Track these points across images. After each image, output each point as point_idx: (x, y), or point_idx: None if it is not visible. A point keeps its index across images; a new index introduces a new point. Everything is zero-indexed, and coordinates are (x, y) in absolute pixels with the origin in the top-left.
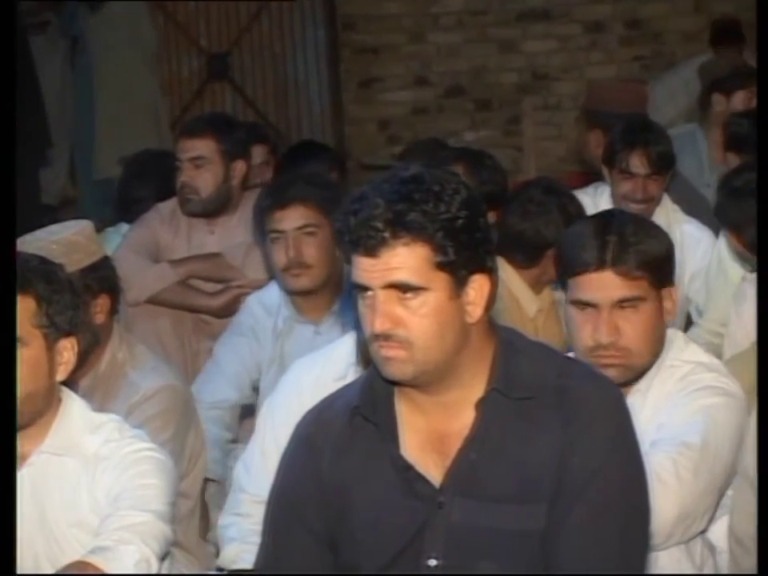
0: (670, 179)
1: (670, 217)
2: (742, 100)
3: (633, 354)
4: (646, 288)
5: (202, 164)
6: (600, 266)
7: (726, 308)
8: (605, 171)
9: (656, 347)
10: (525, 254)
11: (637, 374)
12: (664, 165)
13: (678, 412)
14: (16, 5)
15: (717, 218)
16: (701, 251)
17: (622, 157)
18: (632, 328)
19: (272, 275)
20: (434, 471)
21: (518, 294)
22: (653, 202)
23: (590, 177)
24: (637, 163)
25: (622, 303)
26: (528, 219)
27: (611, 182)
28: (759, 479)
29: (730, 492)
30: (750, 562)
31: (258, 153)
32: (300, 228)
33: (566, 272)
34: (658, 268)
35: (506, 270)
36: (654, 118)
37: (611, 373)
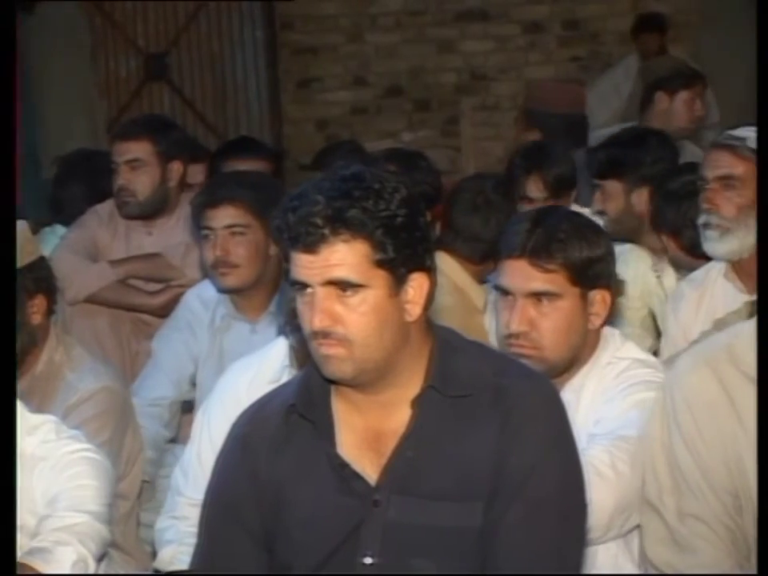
0: (574, 200)
1: None
2: (684, 100)
3: (545, 347)
4: (564, 285)
5: (138, 166)
6: (519, 253)
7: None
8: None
9: (573, 346)
10: (472, 248)
11: (551, 369)
12: (562, 187)
13: (614, 407)
14: (15, 5)
15: (653, 223)
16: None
17: (520, 182)
18: (546, 322)
19: (206, 273)
20: (370, 469)
21: (464, 287)
22: None
23: None
24: (533, 188)
25: (538, 296)
26: (477, 213)
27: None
28: (759, 478)
29: None
30: None
31: (198, 171)
32: (228, 227)
33: (496, 256)
34: (582, 268)
35: (450, 265)
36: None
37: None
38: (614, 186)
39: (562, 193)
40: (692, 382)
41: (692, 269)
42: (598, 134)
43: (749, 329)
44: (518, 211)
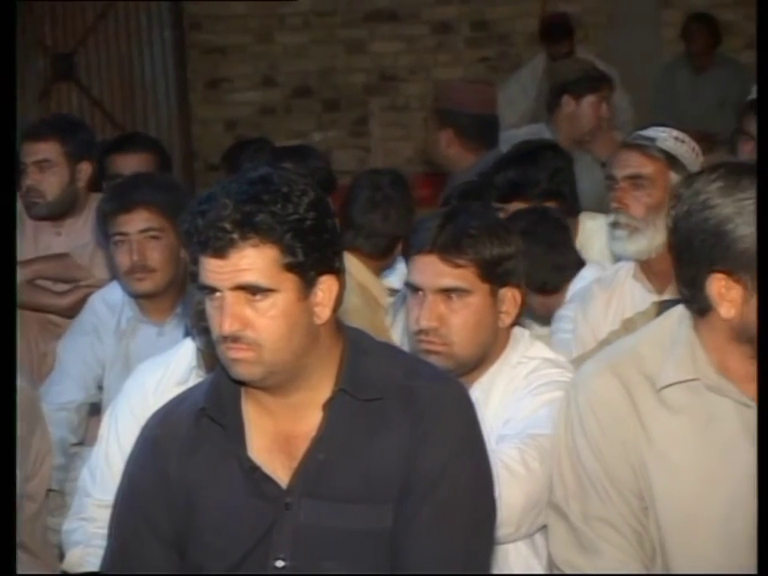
0: None
1: None
2: (591, 104)
3: (454, 343)
4: (474, 281)
5: (46, 167)
6: (430, 249)
7: None
8: None
9: (483, 343)
10: (374, 244)
11: (460, 366)
12: None
13: (523, 406)
14: (15, 6)
15: None
16: None
17: None
18: (456, 318)
19: (115, 276)
20: (281, 472)
21: (367, 284)
22: None
23: (438, 177)
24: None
25: (448, 292)
26: (377, 209)
27: None
28: (759, 477)
29: None
30: None
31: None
32: (144, 231)
33: (407, 253)
34: (492, 264)
35: (353, 264)
36: None
37: (432, 360)
38: (518, 208)
39: None
40: (596, 386)
41: (542, 308)
42: (506, 135)
43: (653, 331)
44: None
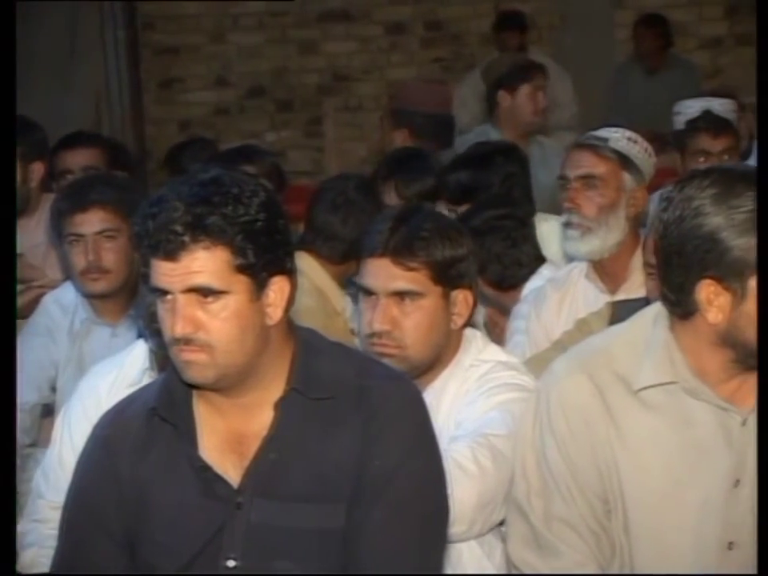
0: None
1: None
2: (526, 94)
3: (407, 346)
4: (426, 283)
5: None
6: (382, 252)
7: None
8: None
9: (436, 345)
10: (331, 248)
11: (414, 368)
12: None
13: (475, 408)
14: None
15: None
16: None
17: (381, 188)
18: (409, 321)
19: (68, 276)
20: (232, 472)
21: (324, 288)
22: None
23: None
24: (391, 196)
25: (401, 295)
26: (337, 212)
27: None
28: (759, 478)
29: None
30: None
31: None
32: (100, 232)
33: (358, 255)
34: (444, 267)
35: (311, 265)
36: None
37: (385, 362)
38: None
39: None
40: (567, 387)
41: (500, 303)
42: (458, 140)
43: (626, 331)
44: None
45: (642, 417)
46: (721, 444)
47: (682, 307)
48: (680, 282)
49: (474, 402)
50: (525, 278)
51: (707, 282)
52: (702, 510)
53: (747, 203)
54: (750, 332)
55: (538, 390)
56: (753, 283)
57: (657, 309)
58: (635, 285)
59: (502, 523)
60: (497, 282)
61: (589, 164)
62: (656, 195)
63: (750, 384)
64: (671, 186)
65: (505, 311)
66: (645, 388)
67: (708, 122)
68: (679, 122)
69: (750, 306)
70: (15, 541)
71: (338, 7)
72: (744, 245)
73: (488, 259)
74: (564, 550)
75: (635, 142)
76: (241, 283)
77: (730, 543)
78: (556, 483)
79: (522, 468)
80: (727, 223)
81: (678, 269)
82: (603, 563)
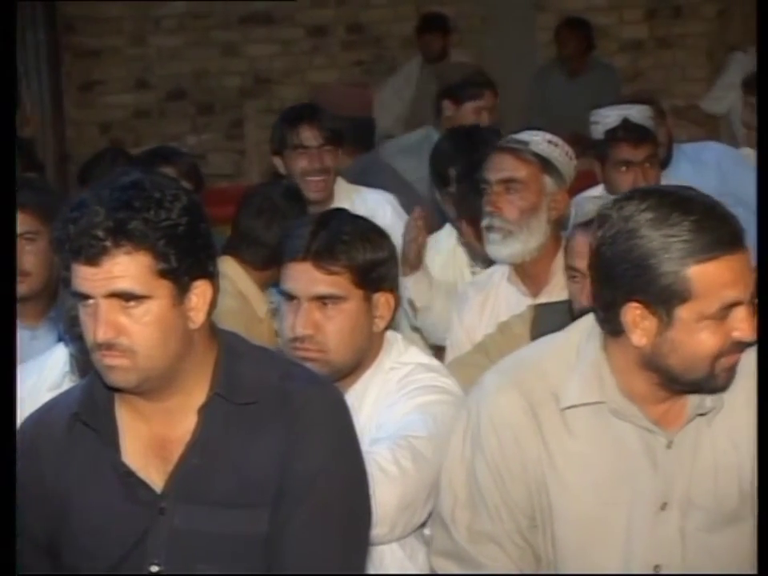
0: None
1: (351, 192)
2: (471, 110)
3: (330, 350)
4: (348, 287)
5: None
6: (303, 256)
7: None
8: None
9: (358, 348)
10: (254, 253)
11: (336, 372)
12: (335, 137)
13: (396, 410)
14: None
15: (457, 209)
16: (389, 213)
17: (293, 134)
18: (331, 325)
19: None
20: (156, 477)
21: (247, 293)
22: (329, 174)
23: None
24: (308, 135)
25: (323, 299)
26: (261, 218)
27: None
28: (759, 478)
29: None
30: None
31: None
32: (20, 235)
33: (279, 260)
34: (366, 270)
35: (235, 270)
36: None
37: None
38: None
39: (336, 142)
40: (499, 404)
41: (484, 257)
42: (393, 143)
43: (559, 346)
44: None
45: (570, 436)
46: (646, 466)
47: (610, 325)
48: (609, 301)
49: (394, 405)
50: None
51: (634, 304)
52: (627, 532)
53: (683, 233)
54: (672, 359)
55: (468, 403)
56: (680, 312)
57: (591, 323)
58: (557, 288)
59: (423, 525)
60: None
61: (510, 168)
62: (578, 198)
63: (679, 406)
64: (610, 203)
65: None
66: (572, 407)
67: (628, 132)
68: (597, 131)
69: (675, 333)
70: (15, 540)
71: (259, 10)
72: (674, 274)
73: (482, 211)
74: (486, 564)
75: (556, 145)
76: (163, 288)
77: (656, 566)
78: (483, 498)
79: (448, 481)
80: (659, 251)
81: (607, 288)
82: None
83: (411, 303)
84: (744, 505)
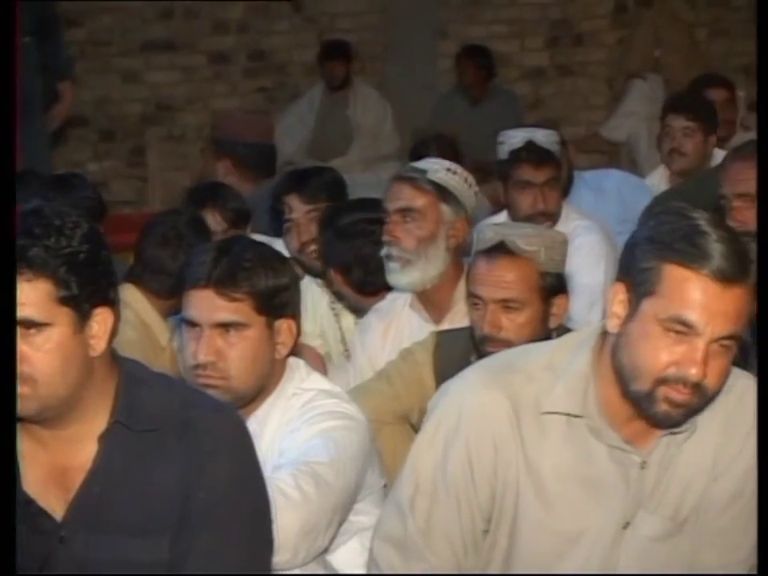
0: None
1: None
2: None
3: (232, 377)
4: (250, 314)
5: None
6: (205, 283)
7: None
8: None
9: (260, 375)
10: (160, 282)
11: (239, 399)
12: (240, 220)
13: (298, 436)
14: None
15: (324, 259)
16: None
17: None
18: (234, 352)
19: None
20: (56, 505)
21: (149, 321)
22: None
23: None
24: (211, 221)
25: (225, 326)
26: (167, 247)
27: None
28: (759, 479)
29: (353, 518)
30: None
31: None
32: None
33: (181, 288)
34: (268, 297)
35: (137, 298)
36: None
37: (210, 394)
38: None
39: (241, 225)
40: (483, 401)
41: (358, 306)
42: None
43: (547, 355)
44: None
45: (547, 442)
46: (619, 483)
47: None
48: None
49: (297, 430)
50: (387, 287)
51: (619, 285)
52: (591, 547)
53: (699, 240)
54: (624, 354)
55: (447, 393)
56: (645, 305)
57: (582, 336)
58: (459, 314)
59: (326, 551)
60: (358, 285)
61: (407, 197)
62: (480, 225)
63: (652, 428)
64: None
65: (359, 313)
66: (553, 413)
67: (530, 153)
68: (503, 151)
69: (634, 326)
70: (15, 540)
71: (161, 37)
72: (649, 264)
73: (353, 260)
74: (430, 559)
75: (455, 172)
76: (64, 315)
77: None
78: (447, 492)
79: (413, 467)
80: (646, 239)
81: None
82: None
83: None
84: (691, 517)
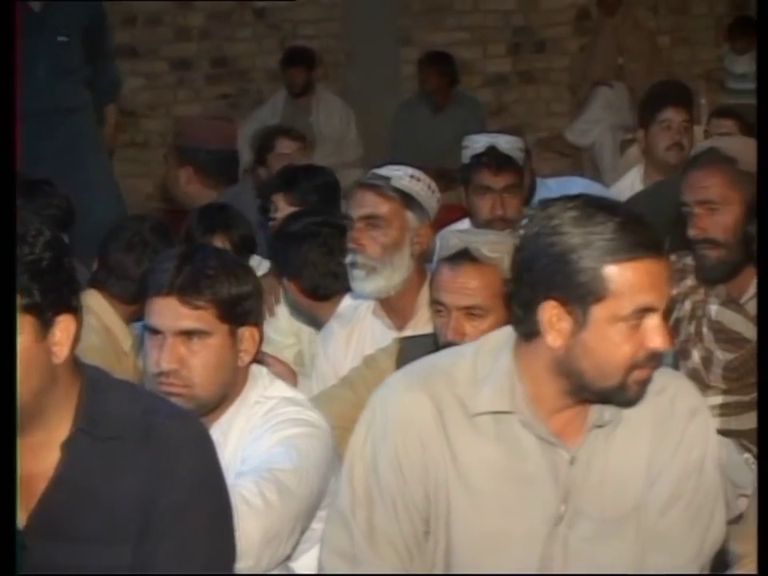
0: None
1: None
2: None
3: (195, 385)
4: (213, 322)
5: None
6: (168, 291)
7: None
8: None
9: (223, 383)
10: (123, 287)
11: (202, 406)
12: (246, 248)
13: (261, 444)
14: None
15: (275, 266)
16: None
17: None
18: (197, 359)
19: None
20: (19, 513)
21: (112, 327)
22: None
23: (177, 214)
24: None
25: (188, 334)
26: (131, 253)
27: None
28: (759, 479)
29: (315, 525)
30: None
31: None
32: None
33: (143, 295)
34: (231, 304)
35: (100, 303)
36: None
37: (173, 401)
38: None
39: (246, 253)
40: (406, 403)
41: (312, 314)
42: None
43: (469, 356)
44: None
45: (476, 443)
46: (548, 479)
47: (526, 326)
48: (527, 300)
49: (259, 438)
50: (339, 291)
51: (551, 303)
52: (524, 544)
53: (606, 232)
54: (584, 362)
55: (372, 401)
56: (595, 312)
57: (503, 336)
58: (422, 321)
59: (289, 558)
60: (310, 290)
61: (371, 204)
62: (443, 232)
63: (580, 418)
64: (536, 204)
65: (316, 323)
66: (481, 414)
67: (491, 158)
68: (466, 156)
69: (589, 335)
70: (15, 539)
71: (124, 43)
72: (593, 271)
73: (303, 265)
74: (378, 566)
75: (418, 179)
76: (26, 323)
77: None
78: (381, 496)
79: (349, 477)
80: (580, 246)
81: (526, 285)
82: None
83: None
84: (628, 519)
